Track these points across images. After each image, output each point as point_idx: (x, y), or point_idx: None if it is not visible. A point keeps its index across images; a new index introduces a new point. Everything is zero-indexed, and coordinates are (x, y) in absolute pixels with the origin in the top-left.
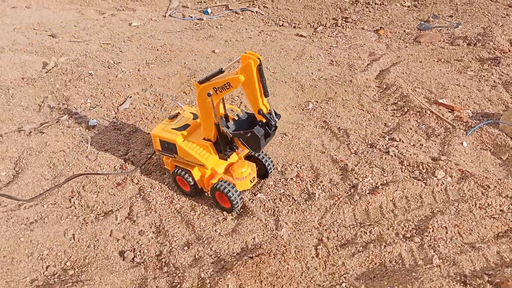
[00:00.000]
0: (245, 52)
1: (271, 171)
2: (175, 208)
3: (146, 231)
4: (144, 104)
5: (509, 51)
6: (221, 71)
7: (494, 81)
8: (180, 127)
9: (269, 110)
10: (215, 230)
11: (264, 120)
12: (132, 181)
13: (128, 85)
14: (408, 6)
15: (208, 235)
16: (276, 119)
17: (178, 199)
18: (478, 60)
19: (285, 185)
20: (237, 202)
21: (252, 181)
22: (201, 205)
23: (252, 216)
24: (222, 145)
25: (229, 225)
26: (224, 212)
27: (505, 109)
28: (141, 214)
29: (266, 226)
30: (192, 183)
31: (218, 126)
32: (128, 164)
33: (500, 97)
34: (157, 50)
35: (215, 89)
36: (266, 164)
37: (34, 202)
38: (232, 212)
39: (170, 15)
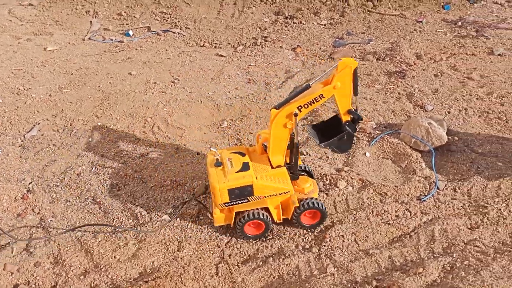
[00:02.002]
0: (340, 59)
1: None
2: (76, 236)
3: (43, 263)
4: (53, 130)
5: (414, 64)
6: (308, 87)
7: (399, 93)
8: (241, 168)
9: (356, 106)
10: (114, 257)
11: (349, 120)
12: (33, 211)
13: (38, 111)
14: (325, 24)
15: (107, 262)
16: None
17: (80, 228)
18: (386, 74)
19: (191, 204)
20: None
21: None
22: (103, 232)
23: (154, 239)
24: (295, 166)
25: (130, 250)
26: (127, 236)
27: (407, 119)
28: (39, 245)
29: (168, 248)
30: (268, 219)
31: (295, 147)
32: (31, 194)
33: (403, 108)
34: (72, 74)
35: (299, 108)
36: (308, 169)
37: None
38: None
39: (90, 38)
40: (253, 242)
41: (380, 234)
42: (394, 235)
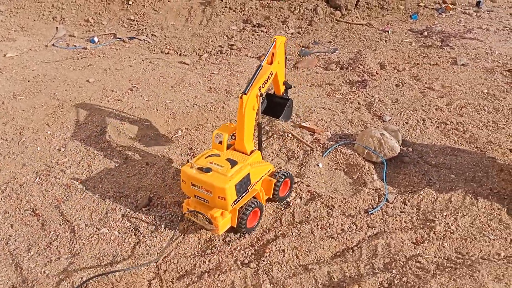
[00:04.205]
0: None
1: None
2: (9, 250)
3: None
4: (1, 138)
5: (377, 73)
6: (260, 67)
7: (359, 103)
8: (231, 164)
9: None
10: (44, 272)
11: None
12: None
13: None
14: (292, 33)
15: (35, 277)
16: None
17: (15, 240)
18: (348, 83)
19: (133, 217)
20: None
21: None
22: (38, 244)
23: (88, 253)
24: (260, 144)
25: (61, 265)
26: (60, 250)
27: (363, 130)
28: None
29: (101, 263)
30: (261, 204)
31: (259, 127)
32: None
33: (361, 118)
34: (28, 81)
35: (260, 88)
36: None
37: None
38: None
39: (53, 45)
40: (192, 257)
41: (323, 248)
42: (337, 250)
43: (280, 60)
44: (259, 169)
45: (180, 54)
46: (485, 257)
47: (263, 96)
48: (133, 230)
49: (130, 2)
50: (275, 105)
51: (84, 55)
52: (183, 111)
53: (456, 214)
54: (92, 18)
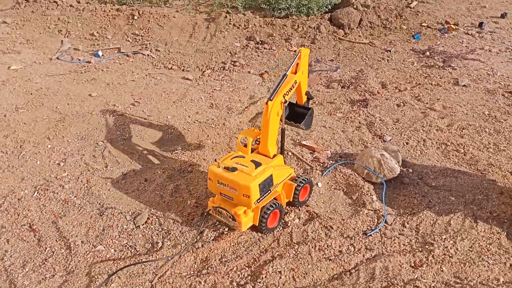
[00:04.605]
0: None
1: None
2: (4, 265)
3: None
4: (1, 152)
5: (378, 93)
6: (285, 76)
7: (360, 122)
8: (255, 165)
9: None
10: None
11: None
12: None
13: None
14: (295, 51)
15: None
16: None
17: (10, 256)
18: (349, 102)
19: (130, 235)
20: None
21: None
22: (33, 261)
23: (83, 271)
24: (282, 148)
25: (56, 282)
26: (55, 267)
27: (363, 149)
28: None
29: (95, 282)
30: (281, 206)
31: (283, 132)
32: None
33: (361, 138)
34: (31, 94)
35: (284, 96)
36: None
37: None
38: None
39: (58, 58)
40: (187, 276)
41: (320, 270)
42: (335, 272)
43: (304, 71)
44: (281, 172)
45: (183, 70)
46: (483, 282)
47: (287, 103)
48: (130, 247)
49: (135, 17)
50: (296, 114)
51: (87, 69)
52: (184, 127)
53: (455, 238)
54: (97, 32)
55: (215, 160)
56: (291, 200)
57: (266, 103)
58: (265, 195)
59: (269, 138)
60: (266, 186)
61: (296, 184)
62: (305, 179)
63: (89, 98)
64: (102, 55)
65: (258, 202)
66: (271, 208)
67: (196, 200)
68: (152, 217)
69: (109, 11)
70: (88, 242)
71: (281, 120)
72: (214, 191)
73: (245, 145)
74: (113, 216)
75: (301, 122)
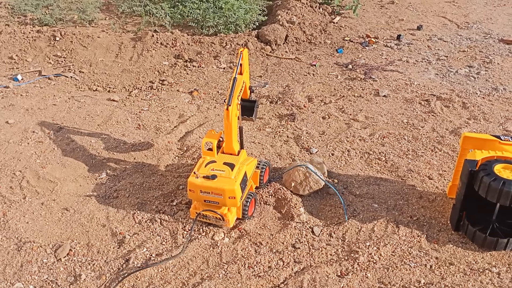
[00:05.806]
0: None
1: None
2: None
3: None
4: None
5: (305, 106)
6: (235, 80)
7: (287, 136)
8: (230, 167)
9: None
10: None
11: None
12: None
13: None
14: (224, 68)
15: None
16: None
17: None
18: (277, 117)
19: (50, 269)
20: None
21: None
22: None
23: None
24: (242, 143)
25: None
26: None
27: (291, 163)
28: None
29: None
30: (255, 193)
31: (240, 130)
32: None
33: (289, 151)
34: None
35: (238, 97)
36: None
37: None
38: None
39: None
40: None
41: None
42: None
43: (247, 69)
44: (250, 166)
45: (108, 91)
46: (406, 285)
47: (240, 103)
48: (50, 283)
49: (57, 38)
50: (245, 108)
51: (5, 95)
52: (109, 151)
53: (379, 244)
54: (17, 55)
55: (194, 172)
56: (257, 185)
57: (226, 109)
58: (245, 190)
59: (233, 139)
60: (244, 182)
61: (259, 171)
62: (265, 163)
63: (5, 125)
64: (22, 79)
65: (241, 199)
66: (248, 200)
67: (122, 227)
68: (74, 248)
69: (29, 32)
70: (5, 280)
71: (238, 119)
72: (197, 200)
73: (209, 149)
74: (32, 251)
75: (251, 115)
